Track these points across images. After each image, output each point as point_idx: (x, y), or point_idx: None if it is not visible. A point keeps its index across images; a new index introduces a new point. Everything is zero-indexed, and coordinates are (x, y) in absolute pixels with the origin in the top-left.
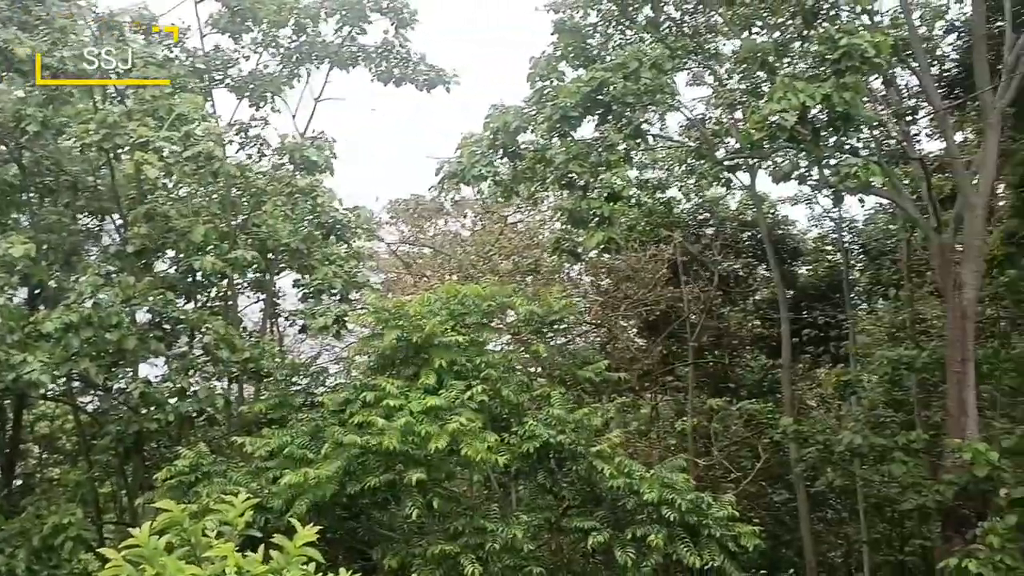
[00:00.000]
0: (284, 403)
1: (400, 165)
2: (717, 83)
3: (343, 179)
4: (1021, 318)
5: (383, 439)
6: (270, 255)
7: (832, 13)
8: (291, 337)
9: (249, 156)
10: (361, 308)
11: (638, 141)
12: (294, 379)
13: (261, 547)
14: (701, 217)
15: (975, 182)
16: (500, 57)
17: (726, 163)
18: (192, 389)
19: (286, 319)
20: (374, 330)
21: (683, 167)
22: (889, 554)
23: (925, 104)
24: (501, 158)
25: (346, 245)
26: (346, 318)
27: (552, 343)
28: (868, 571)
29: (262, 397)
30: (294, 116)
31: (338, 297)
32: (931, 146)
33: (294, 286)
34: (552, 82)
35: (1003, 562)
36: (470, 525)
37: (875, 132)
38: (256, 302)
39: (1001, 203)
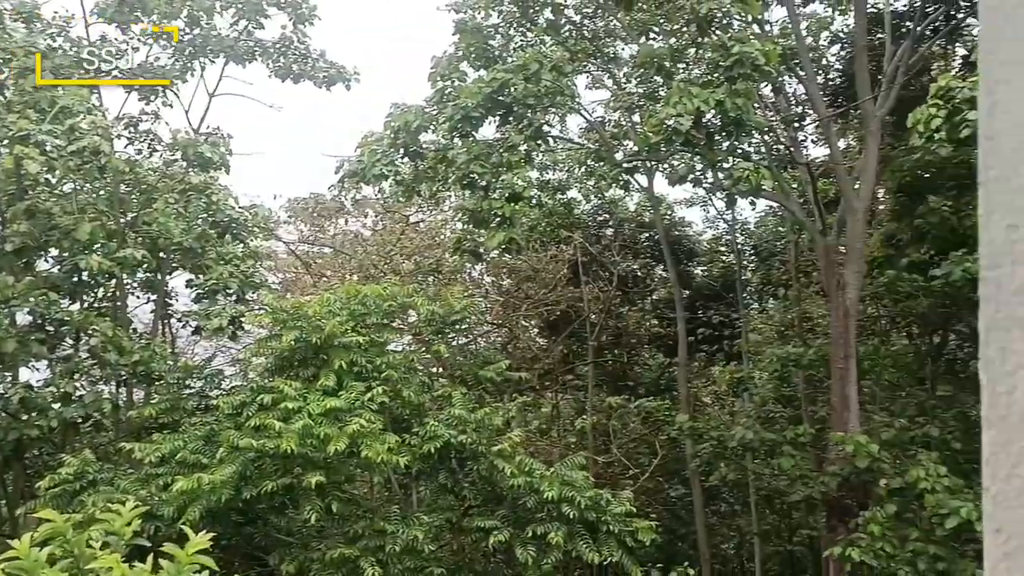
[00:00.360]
0: (176, 407)
1: (299, 163)
2: (616, 86)
3: (240, 177)
4: (899, 317)
5: (281, 442)
6: (161, 254)
7: (725, 21)
8: (184, 339)
9: (139, 151)
10: (258, 309)
11: (539, 142)
12: (187, 382)
13: (150, 557)
14: (601, 218)
15: (857, 187)
16: (405, 55)
17: (625, 165)
18: (77, 393)
19: (179, 320)
20: (272, 331)
21: (583, 169)
22: (779, 544)
23: (811, 111)
24: (402, 157)
25: (242, 244)
26: (242, 319)
27: (454, 343)
28: (759, 561)
29: (153, 401)
30: (187, 111)
31: (234, 297)
32: (817, 152)
33: (187, 286)
34: (454, 82)
35: (883, 549)
36: (370, 527)
37: (765, 137)
38: (147, 303)
39: (881, 207)
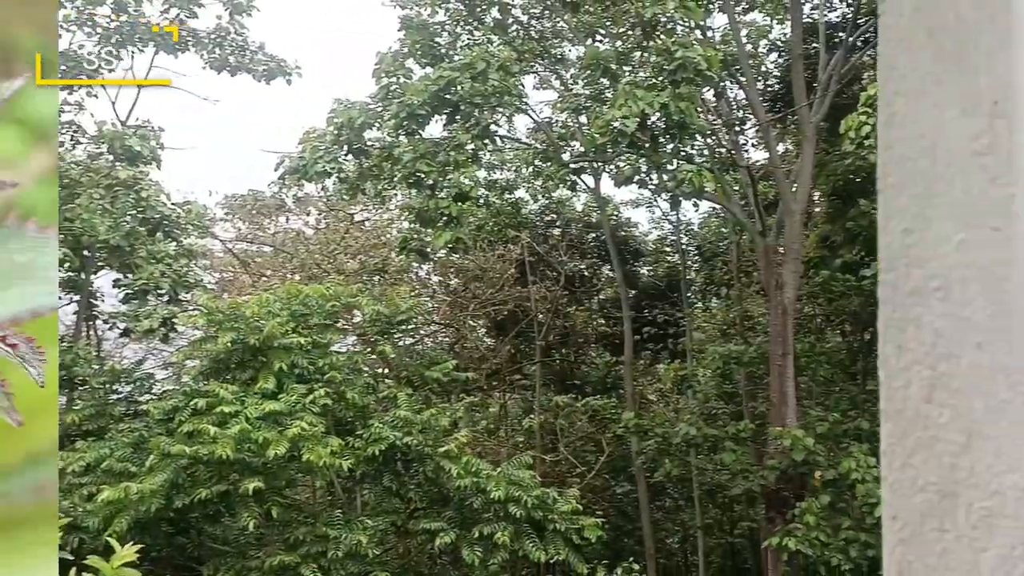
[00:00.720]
0: (102, 413)
1: (235, 159)
2: (563, 87)
3: (172, 172)
4: (833, 315)
5: (216, 448)
6: (86, 252)
7: (669, 26)
8: (111, 341)
9: (61, 144)
10: (192, 309)
11: (486, 141)
12: (114, 387)
13: (73, 571)
14: (548, 218)
15: (794, 190)
16: (338, 50)
17: (571, 166)
18: None
19: (105, 322)
20: (207, 332)
21: (530, 169)
22: (720, 537)
23: (751, 116)
24: (346, 155)
25: (175, 242)
26: (175, 320)
27: (400, 343)
28: (702, 554)
29: (76, 407)
30: (114, 102)
31: (166, 298)
32: (757, 155)
33: (115, 286)
34: (399, 79)
35: (818, 538)
36: (312, 533)
37: (707, 140)
38: (69, 303)
39: (817, 209)
